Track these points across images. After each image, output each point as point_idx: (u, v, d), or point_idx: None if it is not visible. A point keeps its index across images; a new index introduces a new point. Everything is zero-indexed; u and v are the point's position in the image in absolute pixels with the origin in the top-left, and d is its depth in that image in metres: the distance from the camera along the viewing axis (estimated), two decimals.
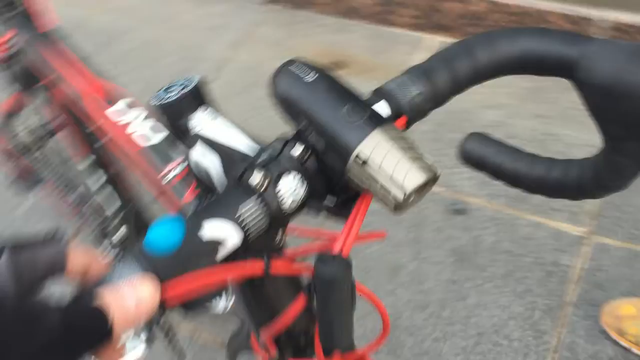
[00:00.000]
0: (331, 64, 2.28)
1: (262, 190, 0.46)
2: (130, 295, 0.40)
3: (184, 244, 0.42)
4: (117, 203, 1.18)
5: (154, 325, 1.30)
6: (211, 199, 0.46)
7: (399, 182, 0.42)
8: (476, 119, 2.00)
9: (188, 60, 2.45)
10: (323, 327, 0.46)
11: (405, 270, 1.66)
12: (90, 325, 0.37)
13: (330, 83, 0.47)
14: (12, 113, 1.29)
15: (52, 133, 1.25)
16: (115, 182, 1.14)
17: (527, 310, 1.55)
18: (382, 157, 0.43)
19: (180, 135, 0.53)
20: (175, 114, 0.53)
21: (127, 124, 0.73)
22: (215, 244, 0.44)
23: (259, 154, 0.48)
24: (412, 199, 0.44)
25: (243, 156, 0.49)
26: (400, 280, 1.64)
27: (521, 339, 1.50)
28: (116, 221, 1.17)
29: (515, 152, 0.51)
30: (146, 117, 0.74)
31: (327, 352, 0.52)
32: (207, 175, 0.51)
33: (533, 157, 0.50)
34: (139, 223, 1.22)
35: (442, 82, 0.52)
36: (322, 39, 2.44)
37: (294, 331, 0.66)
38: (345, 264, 0.45)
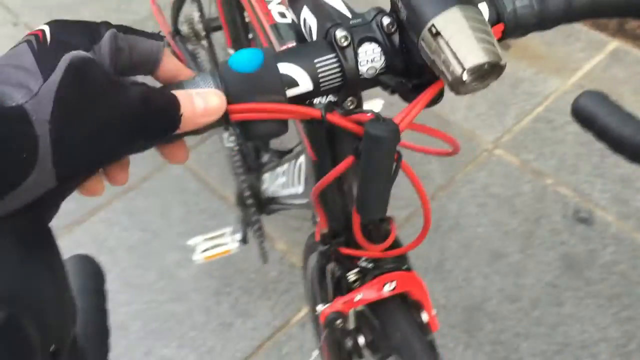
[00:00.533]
0: None
1: (342, 47, 0.48)
2: (200, 101, 0.44)
3: (261, 70, 0.46)
4: None
5: (249, 227, 1.38)
6: (297, 46, 0.50)
7: (460, 57, 0.43)
8: None
9: None
10: (361, 189, 0.48)
11: (508, 259, 1.61)
12: (163, 108, 0.42)
13: None
14: (178, 3, 1.40)
15: (208, 30, 1.35)
16: None
17: (623, 338, 1.45)
18: (454, 32, 0.44)
19: None
20: None
21: (270, 1, 0.79)
22: (288, 82, 0.47)
23: (351, 19, 0.51)
24: (471, 81, 0.44)
25: (338, 16, 0.52)
26: (498, 268, 1.59)
27: None
28: None
29: (626, 117, 0.50)
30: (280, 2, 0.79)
31: (364, 218, 0.54)
32: (310, 31, 0.55)
33: None
34: None
35: (555, 2, 0.51)
36: None
37: (350, 227, 0.69)
38: (394, 129, 0.46)
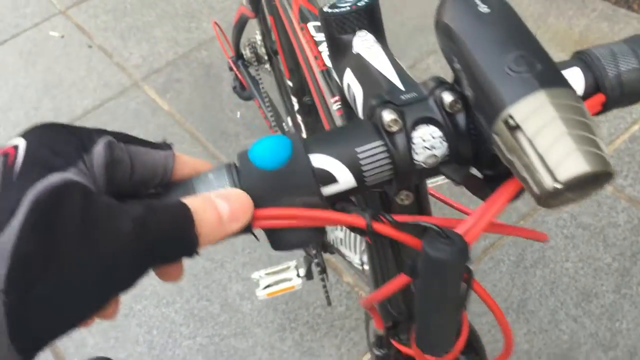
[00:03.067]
0: None
1: (391, 132, 0.38)
2: (223, 204, 0.36)
3: (289, 164, 0.37)
4: (304, 135, 1.17)
5: (313, 263, 1.29)
6: (332, 130, 0.40)
7: (551, 165, 0.32)
8: None
9: None
10: (420, 319, 0.38)
11: (600, 300, 1.44)
12: (171, 231, 0.33)
13: (508, 20, 0.37)
14: (239, 26, 1.34)
15: (270, 54, 1.28)
16: (306, 112, 1.13)
17: None
18: (540, 126, 0.32)
19: (339, 50, 0.48)
20: (340, 27, 0.47)
21: (321, 42, 0.70)
22: (324, 178, 0.38)
23: (404, 92, 0.41)
24: (566, 194, 0.33)
25: (387, 89, 0.42)
26: (589, 309, 1.43)
27: None
28: None
29: None
30: None
31: (423, 352, 0.44)
32: (354, 100, 0.45)
33: None
34: None
35: None
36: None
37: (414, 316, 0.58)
38: (459, 248, 0.36)
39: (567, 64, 0.41)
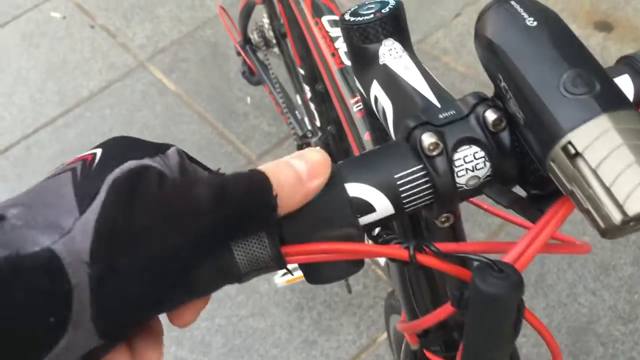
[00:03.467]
0: (591, 23, 2.00)
1: (431, 156, 0.36)
2: (299, 162, 0.34)
3: (324, 196, 0.35)
4: (317, 122, 1.15)
5: None
6: (367, 153, 0.38)
7: (620, 198, 0.29)
8: None
9: None
10: (467, 353, 0.37)
11: (618, 273, 1.44)
12: (247, 193, 0.32)
13: (559, 34, 0.34)
14: (246, 10, 1.31)
15: (279, 37, 1.25)
16: (320, 100, 1.10)
17: None
18: (606, 155, 0.30)
19: (363, 61, 0.45)
20: (364, 37, 0.44)
21: (337, 38, 0.67)
22: (361, 207, 0.36)
23: (441, 109, 0.38)
24: (632, 223, 0.30)
25: (423, 107, 0.39)
26: (608, 282, 1.43)
27: None
28: (314, 140, 1.15)
29: None
30: None
31: None
32: (384, 115, 0.43)
33: None
34: (336, 147, 1.19)
35: None
36: None
37: (447, 326, 0.57)
38: (515, 281, 0.33)
39: (613, 71, 0.38)
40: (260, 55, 1.34)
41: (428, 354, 0.56)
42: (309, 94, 1.11)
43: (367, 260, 1.64)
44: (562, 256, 1.48)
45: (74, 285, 0.27)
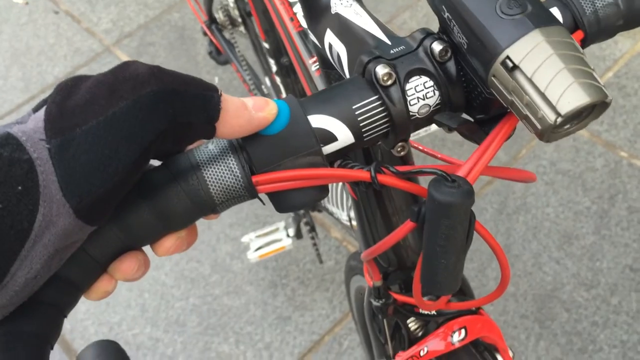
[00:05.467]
0: None
1: (385, 86, 0.39)
2: (248, 99, 0.37)
3: (289, 127, 0.38)
4: (283, 96, 1.17)
5: (302, 223, 1.30)
6: (327, 89, 0.41)
7: (553, 100, 0.33)
8: None
9: None
10: (427, 262, 0.40)
11: (581, 242, 1.49)
12: (193, 81, 0.35)
13: None
14: None
15: (244, 16, 1.26)
16: (285, 73, 1.12)
17: None
18: (539, 64, 0.34)
19: (317, 12, 0.48)
20: None
21: (295, 2, 0.69)
22: (324, 137, 0.39)
23: (391, 46, 0.41)
24: (566, 126, 0.35)
25: (375, 45, 0.42)
26: (571, 251, 1.48)
27: None
28: None
29: None
30: None
31: (430, 294, 0.45)
32: (339, 59, 0.46)
33: None
34: None
35: None
36: None
37: (405, 266, 0.60)
38: (466, 190, 0.37)
39: (546, 4, 0.42)
40: (226, 34, 1.35)
41: (391, 293, 0.59)
42: (274, 68, 1.13)
43: (337, 236, 1.66)
44: (527, 227, 1.53)
45: (34, 158, 0.30)
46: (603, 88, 0.34)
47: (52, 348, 0.35)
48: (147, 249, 0.39)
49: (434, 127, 0.46)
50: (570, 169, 1.61)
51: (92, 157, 0.31)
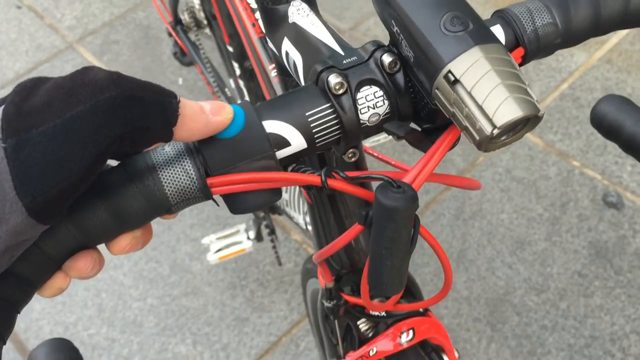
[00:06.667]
0: None
1: (337, 95, 0.41)
2: (205, 104, 0.38)
3: (244, 132, 0.39)
4: (247, 99, 1.18)
5: (262, 225, 1.31)
6: (281, 95, 0.43)
7: (490, 112, 0.36)
8: None
9: None
10: (373, 264, 0.42)
11: (533, 248, 1.54)
12: (151, 87, 0.36)
13: None
14: None
15: (209, 18, 1.27)
16: (248, 77, 1.14)
17: None
18: (477, 79, 0.36)
19: (275, 21, 0.50)
20: None
21: (257, 9, 0.71)
22: (277, 142, 0.41)
23: (344, 56, 0.43)
24: (502, 137, 0.37)
25: (329, 55, 0.44)
26: (523, 257, 1.53)
27: (638, 357, 1.35)
28: None
29: None
30: None
31: (376, 295, 0.48)
32: (295, 67, 0.48)
33: None
34: None
35: (582, 16, 0.44)
36: None
37: (356, 269, 0.62)
38: (410, 195, 0.39)
39: (489, 22, 0.45)
40: (191, 35, 1.36)
41: (342, 294, 0.61)
42: (238, 71, 1.14)
43: (297, 238, 1.67)
44: (482, 233, 1.57)
45: None
46: (536, 103, 0.37)
47: (4, 343, 0.36)
48: (102, 247, 0.40)
49: None
50: (525, 176, 1.66)
51: (48, 158, 0.32)
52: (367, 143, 1.17)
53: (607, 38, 1.91)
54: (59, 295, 1.62)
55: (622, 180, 1.62)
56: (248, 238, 1.42)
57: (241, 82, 1.17)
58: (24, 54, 2.13)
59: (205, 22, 1.30)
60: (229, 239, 1.42)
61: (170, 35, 1.43)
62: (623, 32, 1.92)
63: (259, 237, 1.42)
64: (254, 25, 0.68)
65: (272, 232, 1.32)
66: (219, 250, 1.39)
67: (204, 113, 0.37)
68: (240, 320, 1.51)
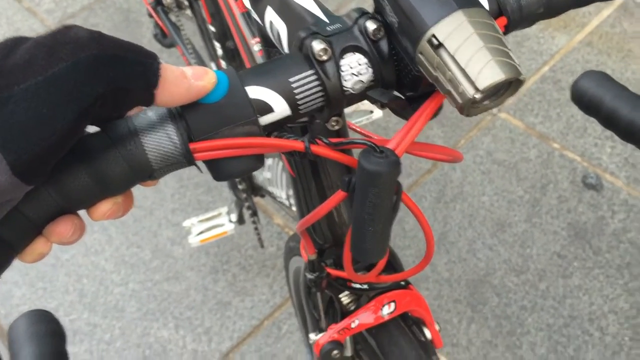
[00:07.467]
0: None
1: (321, 61, 0.41)
2: (187, 68, 0.38)
3: (227, 97, 0.39)
4: None
5: (244, 207, 1.31)
6: (265, 62, 0.43)
7: (472, 76, 0.36)
8: None
9: None
10: (356, 230, 0.42)
11: (513, 229, 1.55)
12: (133, 48, 0.35)
13: None
14: None
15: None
16: (230, 57, 1.13)
17: (632, 309, 1.41)
18: (460, 43, 0.36)
19: None
20: None
21: None
22: (260, 108, 0.40)
23: (328, 23, 0.43)
24: (484, 101, 0.37)
25: (313, 22, 0.44)
26: (503, 238, 1.54)
27: (616, 336, 1.37)
28: None
29: (637, 100, 0.43)
30: None
31: (358, 261, 0.48)
32: (279, 37, 0.47)
33: None
34: None
35: None
36: None
37: (339, 243, 0.62)
38: (393, 160, 0.39)
39: None
40: (172, 17, 1.34)
41: (325, 267, 0.61)
42: (220, 52, 1.13)
43: (280, 222, 1.67)
44: (463, 215, 1.58)
45: None
46: (518, 66, 0.37)
47: None
48: (83, 214, 0.39)
49: (375, 114, 0.47)
50: (506, 159, 1.67)
51: (31, 115, 0.32)
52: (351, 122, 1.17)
53: (587, 20, 1.92)
54: (40, 281, 1.60)
55: (602, 161, 1.64)
56: (230, 221, 1.41)
57: (223, 63, 1.16)
58: (1, 38, 2.09)
59: (186, 2, 1.29)
60: (211, 222, 1.42)
61: (150, 16, 1.42)
62: (604, 14, 1.93)
63: (240, 220, 1.41)
64: (236, 0, 0.68)
65: (254, 213, 1.32)
66: (201, 232, 1.39)
67: (186, 78, 0.37)
68: (222, 304, 1.51)
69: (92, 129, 0.38)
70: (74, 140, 0.35)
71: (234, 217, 1.40)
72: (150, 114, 0.39)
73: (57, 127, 0.33)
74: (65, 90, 0.32)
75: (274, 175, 0.95)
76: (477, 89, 0.36)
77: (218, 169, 0.41)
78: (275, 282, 1.53)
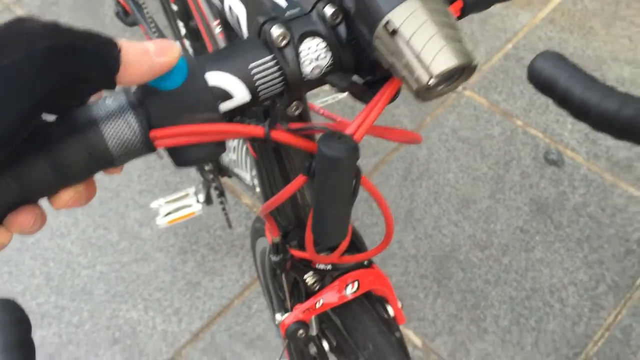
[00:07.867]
0: None
1: (280, 47, 0.41)
2: (149, 43, 0.37)
3: (186, 84, 0.39)
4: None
5: (211, 188, 1.31)
6: (225, 47, 0.43)
7: (426, 62, 0.37)
8: (609, 72, 1.81)
9: None
10: (317, 213, 0.43)
11: (477, 206, 1.58)
12: (90, 36, 0.34)
13: None
14: None
15: None
16: (194, 37, 1.12)
17: (591, 281, 1.45)
18: (415, 29, 0.37)
19: None
20: None
21: None
22: (220, 94, 0.41)
23: (287, 8, 0.43)
24: (439, 87, 0.38)
25: (271, 7, 0.44)
26: (468, 214, 1.57)
27: (575, 307, 1.42)
28: None
29: (590, 81, 0.44)
30: None
31: (319, 244, 0.49)
32: (238, 21, 0.47)
33: (607, 89, 0.43)
34: None
35: None
36: None
37: (303, 224, 0.63)
38: (352, 146, 0.40)
39: None
40: None
41: (289, 249, 0.62)
42: (183, 31, 1.12)
43: (248, 202, 1.67)
44: (429, 192, 1.60)
45: None
46: (470, 53, 0.38)
47: None
48: (45, 204, 0.40)
49: (341, 94, 0.48)
50: (470, 136, 1.70)
51: None
52: (316, 103, 1.17)
53: None
54: (5, 265, 1.58)
55: (563, 138, 1.67)
56: (197, 201, 1.41)
57: (187, 42, 1.15)
58: None
59: None
60: (178, 203, 1.41)
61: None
62: None
63: (208, 200, 1.41)
64: None
65: (221, 194, 1.32)
66: (169, 214, 1.38)
67: (148, 54, 0.36)
68: (191, 285, 1.51)
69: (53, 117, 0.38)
70: (28, 131, 0.34)
71: (201, 197, 1.40)
72: (110, 101, 0.39)
73: (9, 119, 0.32)
74: (18, 82, 0.32)
75: (238, 157, 0.96)
76: (431, 75, 0.37)
77: (179, 155, 0.41)
78: (244, 261, 1.54)
